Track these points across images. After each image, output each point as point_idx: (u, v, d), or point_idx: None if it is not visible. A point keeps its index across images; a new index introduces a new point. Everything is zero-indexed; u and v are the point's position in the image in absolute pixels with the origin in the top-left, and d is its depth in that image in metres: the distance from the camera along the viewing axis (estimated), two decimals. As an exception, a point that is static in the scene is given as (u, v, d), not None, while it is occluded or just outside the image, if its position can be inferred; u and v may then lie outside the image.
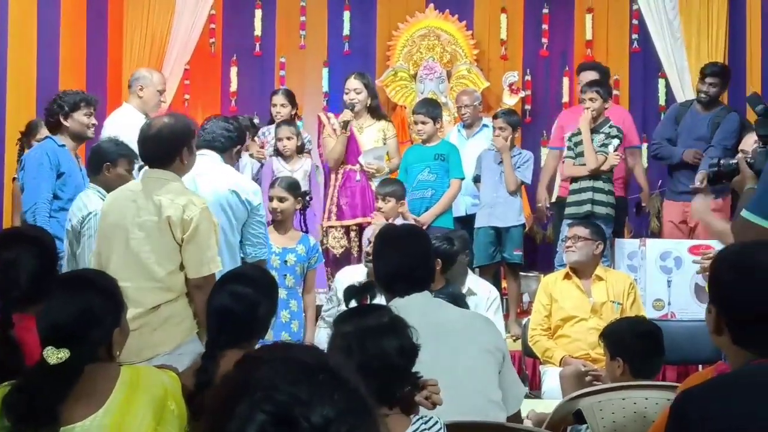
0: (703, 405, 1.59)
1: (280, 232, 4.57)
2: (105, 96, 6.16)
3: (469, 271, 4.68)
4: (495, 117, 5.61)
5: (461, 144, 5.91)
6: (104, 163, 3.99)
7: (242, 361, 1.03)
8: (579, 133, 5.39)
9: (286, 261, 4.46)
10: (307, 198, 4.69)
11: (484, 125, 5.96)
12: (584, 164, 5.27)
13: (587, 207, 5.20)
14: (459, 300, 3.75)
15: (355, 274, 4.54)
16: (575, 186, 5.33)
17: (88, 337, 2.01)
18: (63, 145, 4.35)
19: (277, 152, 5.57)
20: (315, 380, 0.95)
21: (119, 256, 3.18)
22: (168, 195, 3.15)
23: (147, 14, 6.54)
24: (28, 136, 4.99)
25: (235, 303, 2.55)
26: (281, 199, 4.54)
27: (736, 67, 6.26)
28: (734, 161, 3.05)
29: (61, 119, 4.36)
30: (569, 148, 5.44)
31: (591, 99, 5.30)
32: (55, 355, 1.93)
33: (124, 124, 4.67)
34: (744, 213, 2.64)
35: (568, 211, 5.31)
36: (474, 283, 4.58)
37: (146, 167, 3.33)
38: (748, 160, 2.94)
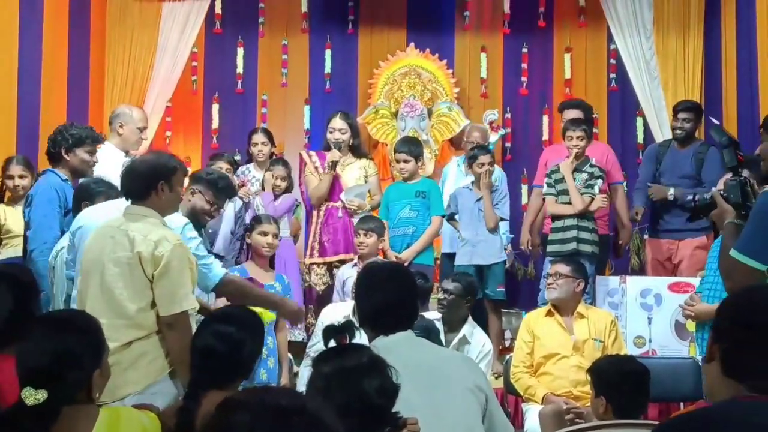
0: None
1: (263, 268, 4.59)
2: (86, 132, 6.15)
3: (470, 319, 4.68)
4: (474, 155, 5.55)
5: (459, 178, 5.92)
6: (83, 201, 3.98)
7: (222, 405, 1.07)
8: (558, 170, 5.43)
9: (267, 297, 4.45)
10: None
11: None
12: (568, 203, 5.30)
13: (572, 245, 5.22)
14: (432, 333, 3.76)
15: (341, 310, 4.54)
16: (558, 224, 5.34)
17: (66, 379, 1.99)
18: (66, 180, 4.32)
19: (262, 189, 5.60)
20: (290, 423, 1.00)
21: (95, 291, 3.15)
22: (142, 231, 3.13)
23: (129, 51, 6.56)
24: (3, 172, 4.94)
25: (219, 342, 2.53)
26: (275, 236, 4.62)
27: (712, 105, 6.35)
28: (708, 195, 3.09)
29: (63, 152, 4.33)
30: (549, 185, 5.47)
31: (579, 137, 5.35)
32: (32, 396, 1.91)
33: (103, 162, 4.63)
34: (733, 253, 2.66)
35: (550, 248, 5.33)
36: (470, 332, 4.59)
37: (128, 203, 3.32)
38: (722, 194, 2.97)
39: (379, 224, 5.17)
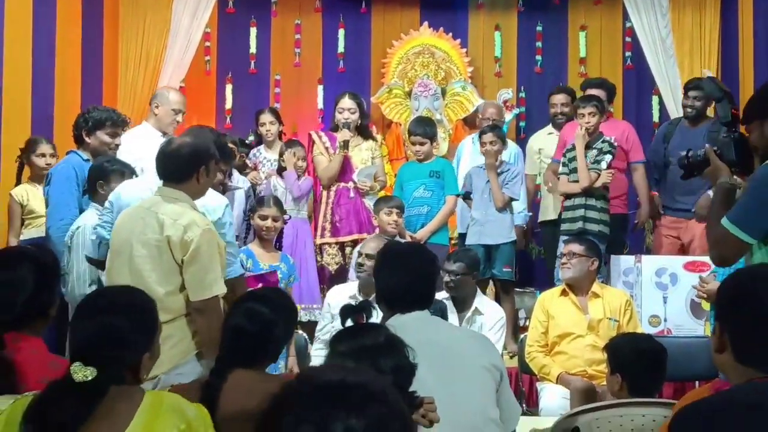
0: (701, 423, 1.59)
1: (266, 250, 4.60)
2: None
3: (479, 291, 4.69)
4: (483, 132, 5.54)
5: (474, 156, 5.90)
6: (98, 181, 4.00)
7: (293, 379, 1.17)
8: (573, 149, 5.40)
9: (272, 277, 4.47)
10: (286, 218, 4.79)
11: None
12: (577, 181, 5.28)
13: (579, 224, 5.20)
14: (444, 314, 3.76)
15: (346, 290, 4.56)
16: (569, 203, 5.33)
17: (116, 358, 1.96)
18: (87, 160, 4.34)
19: (278, 171, 5.60)
20: (351, 396, 1.09)
21: (124, 272, 3.16)
22: (172, 214, 3.11)
23: (142, 33, 6.55)
24: (27, 152, 4.99)
25: (250, 322, 2.52)
26: (275, 219, 4.60)
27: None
28: (701, 151, 2.95)
29: (84, 135, 4.36)
30: (563, 164, 5.45)
31: (590, 114, 5.30)
32: (81, 372, 1.88)
33: (139, 142, 4.70)
34: (724, 222, 2.62)
35: (562, 227, 5.32)
36: (482, 303, 4.60)
37: (161, 183, 3.28)
38: (716, 151, 2.89)
39: (401, 203, 5.22)
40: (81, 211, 4.17)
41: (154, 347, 2.11)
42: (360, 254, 4.60)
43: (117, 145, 4.44)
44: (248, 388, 2.36)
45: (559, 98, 6.11)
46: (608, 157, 5.28)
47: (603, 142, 5.33)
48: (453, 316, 4.41)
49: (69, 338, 2.04)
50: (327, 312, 4.54)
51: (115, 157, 4.23)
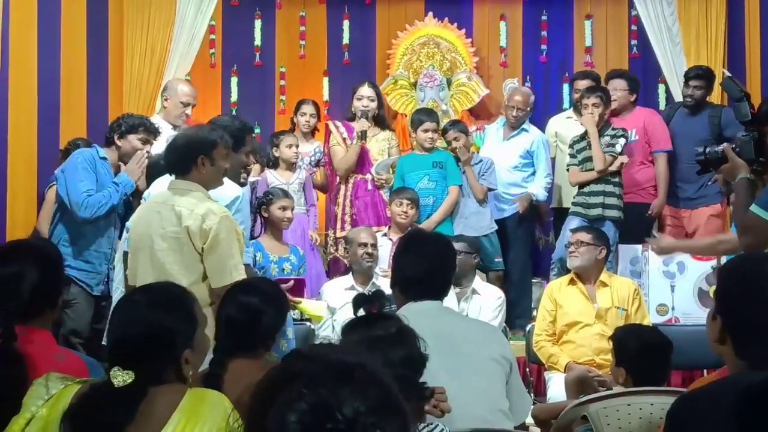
0: (695, 409, 1.60)
1: (279, 241, 4.61)
2: (106, 108, 6.17)
3: (477, 273, 4.77)
4: (444, 131, 5.64)
5: (494, 143, 5.91)
6: (154, 180, 3.94)
7: (288, 356, 1.15)
8: (581, 140, 5.40)
9: (283, 269, 4.48)
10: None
11: (523, 129, 5.89)
12: (591, 169, 5.28)
13: (598, 210, 5.21)
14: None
15: (342, 283, 4.60)
16: (586, 189, 5.31)
17: (155, 358, 1.91)
18: (104, 158, 4.39)
19: (272, 165, 5.59)
20: (352, 377, 1.06)
21: (146, 267, 3.21)
22: (188, 205, 3.16)
23: (147, 26, 6.55)
24: (67, 154, 4.98)
25: (239, 312, 2.57)
26: (292, 209, 4.62)
27: (735, 72, 6.23)
28: (720, 149, 2.99)
29: (116, 138, 4.43)
30: (572, 156, 5.45)
31: (594, 105, 5.32)
32: (120, 377, 1.83)
33: None
34: (754, 209, 2.63)
35: (574, 209, 5.32)
36: (480, 285, 4.67)
37: (172, 177, 3.34)
38: (735, 149, 2.91)
39: (414, 196, 5.25)
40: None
41: (196, 343, 2.03)
42: (364, 244, 4.62)
43: (148, 152, 4.47)
44: (249, 377, 2.37)
45: (583, 83, 6.06)
46: (622, 141, 5.30)
47: (613, 129, 5.35)
48: (451, 293, 4.42)
49: (106, 340, 2.02)
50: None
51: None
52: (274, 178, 5.49)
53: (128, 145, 4.42)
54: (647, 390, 2.95)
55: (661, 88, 6.88)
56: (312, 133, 6.05)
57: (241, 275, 3.17)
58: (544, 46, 7.06)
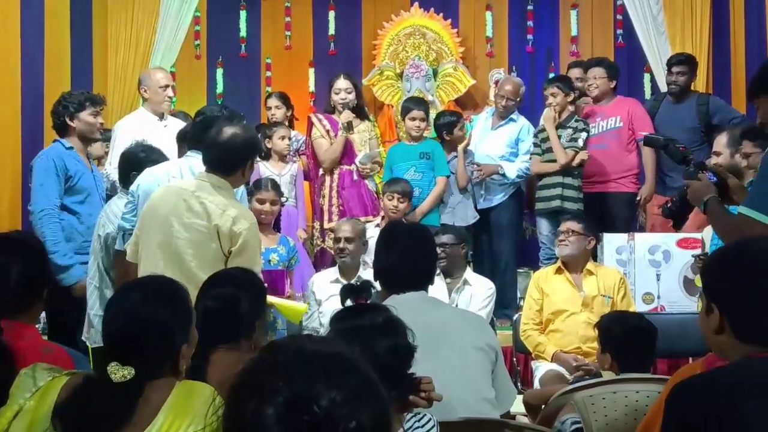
0: (696, 397, 1.59)
1: (266, 232, 4.58)
2: (91, 100, 6.13)
3: (468, 266, 4.77)
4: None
5: (482, 133, 5.90)
6: (131, 172, 3.91)
7: (266, 348, 1.16)
8: (545, 130, 5.46)
9: (269, 261, 4.46)
10: (283, 200, 4.80)
11: (511, 119, 5.85)
12: (554, 161, 5.33)
13: (557, 202, 5.27)
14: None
15: (328, 275, 4.58)
16: (544, 181, 5.41)
17: (154, 353, 1.90)
18: (71, 148, 4.34)
19: (263, 156, 5.57)
20: (328, 367, 1.07)
21: (157, 249, 3.15)
22: (220, 204, 3.13)
23: (131, 17, 6.50)
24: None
25: (215, 303, 2.55)
26: (273, 202, 4.59)
27: (720, 59, 6.29)
28: (676, 195, 3.17)
29: (67, 120, 4.34)
30: (536, 145, 5.51)
31: (552, 94, 5.39)
32: (119, 373, 1.82)
33: (138, 129, 4.73)
34: (743, 210, 2.63)
35: (537, 205, 5.42)
36: (471, 276, 4.68)
37: (202, 170, 3.26)
38: (685, 188, 2.94)
39: (406, 189, 5.19)
40: (65, 205, 4.21)
41: (192, 336, 2.03)
42: (339, 239, 4.60)
43: (102, 124, 4.43)
44: (232, 368, 2.37)
45: (574, 72, 6.09)
46: (584, 135, 5.36)
47: (576, 121, 5.40)
48: (443, 285, 4.45)
49: (103, 335, 2.00)
50: (312, 299, 4.55)
51: (151, 146, 4.18)
52: (266, 169, 5.47)
53: (82, 123, 4.34)
54: (633, 378, 2.98)
55: (647, 77, 6.90)
56: (290, 123, 6.00)
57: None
58: (530, 36, 7.07)
